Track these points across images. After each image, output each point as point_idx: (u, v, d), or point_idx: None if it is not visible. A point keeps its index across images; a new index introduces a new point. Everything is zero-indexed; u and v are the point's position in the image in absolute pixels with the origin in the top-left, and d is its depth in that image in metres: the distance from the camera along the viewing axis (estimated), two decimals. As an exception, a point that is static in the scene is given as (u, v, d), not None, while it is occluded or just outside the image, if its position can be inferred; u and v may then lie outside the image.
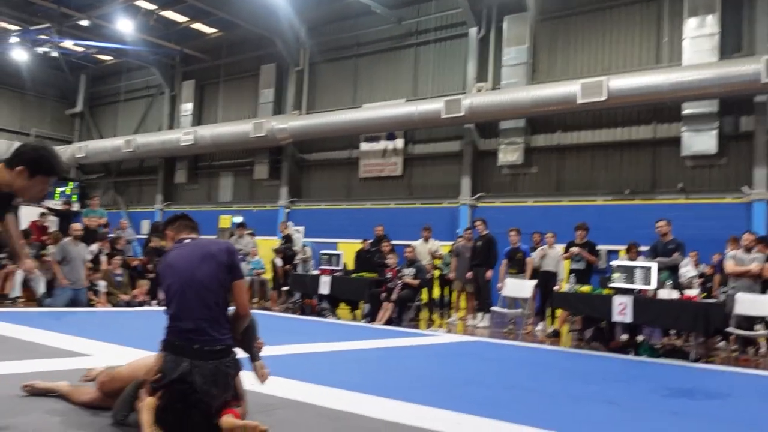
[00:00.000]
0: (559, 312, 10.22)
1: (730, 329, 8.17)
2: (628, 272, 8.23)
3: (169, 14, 19.51)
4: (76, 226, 10.90)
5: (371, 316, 10.72)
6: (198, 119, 21.60)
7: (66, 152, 22.50)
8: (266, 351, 3.75)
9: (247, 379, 3.54)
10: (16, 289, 10.39)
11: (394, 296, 10.49)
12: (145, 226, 19.41)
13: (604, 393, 5.45)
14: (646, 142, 13.77)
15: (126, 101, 24.46)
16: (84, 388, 3.74)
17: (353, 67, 18.28)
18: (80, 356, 5.51)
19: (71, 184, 22.36)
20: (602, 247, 11.14)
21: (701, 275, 10.32)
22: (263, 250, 14.08)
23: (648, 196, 13.50)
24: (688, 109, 12.91)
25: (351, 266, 12.76)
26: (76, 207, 18.03)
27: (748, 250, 8.55)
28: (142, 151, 21.37)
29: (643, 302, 7.95)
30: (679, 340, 9.45)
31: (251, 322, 3.58)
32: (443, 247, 12.79)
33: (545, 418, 4.11)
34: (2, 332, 6.30)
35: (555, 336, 9.76)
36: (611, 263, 9.13)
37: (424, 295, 11.89)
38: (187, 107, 21.75)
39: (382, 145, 17.40)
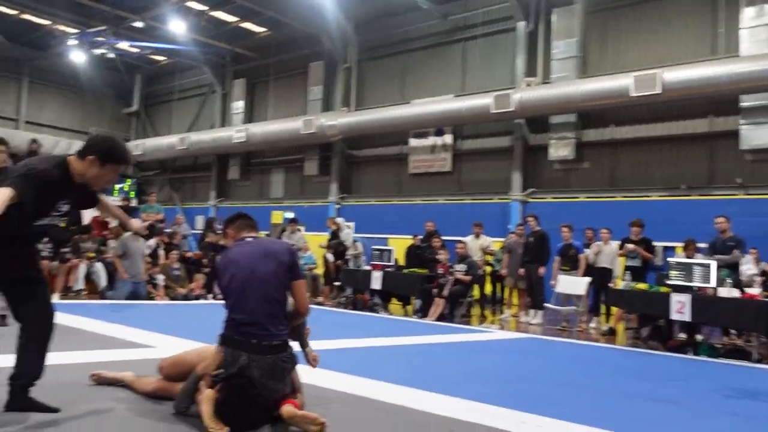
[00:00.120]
0: (614, 310, 10.05)
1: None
2: (687, 270, 8.05)
3: (219, 14, 19.87)
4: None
5: (422, 312, 10.71)
6: (249, 117, 21.97)
7: (124, 150, 23.12)
8: (321, 345, 3.83)
9: (303, 372, 3.61)
10: (79, 282, 10.76)
11: (445, 292, 10.46)
12: (200, 221, 19.82)
13: (661, 391, 5.34)
14: (703, 136, 13.38)
15: (179, 100, 25.04)
16: (147, 379, 3.86)
17: (401, 63, 18.30)
18: (144, 347, 5.71)
19: (129, 181, 23.02)
20: (658, 244, 10.92)
21: (762, 273, 9.98)
22: (313, 246, 14.25)
23: (705, 191, 13.11)
24: (746, 102, 12.50)
25: (402, 262, 12.81)
26: (134, 203, 18.54)
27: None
28: (195, 148, 21.89)
29: (703, 300, 7.76)
30: (740, 339, 9.15)
31: None
32: (494, 243, 12.72)
33: (598, 416, 4.07)
34: (68, 323, 6.55)
35: (610, 334, 9.61)
36: (668, 260, 8.93)
37: (475, 292, 11.86)
38: (238, 105, 22.14)
39: (430, 141, 17.40)
